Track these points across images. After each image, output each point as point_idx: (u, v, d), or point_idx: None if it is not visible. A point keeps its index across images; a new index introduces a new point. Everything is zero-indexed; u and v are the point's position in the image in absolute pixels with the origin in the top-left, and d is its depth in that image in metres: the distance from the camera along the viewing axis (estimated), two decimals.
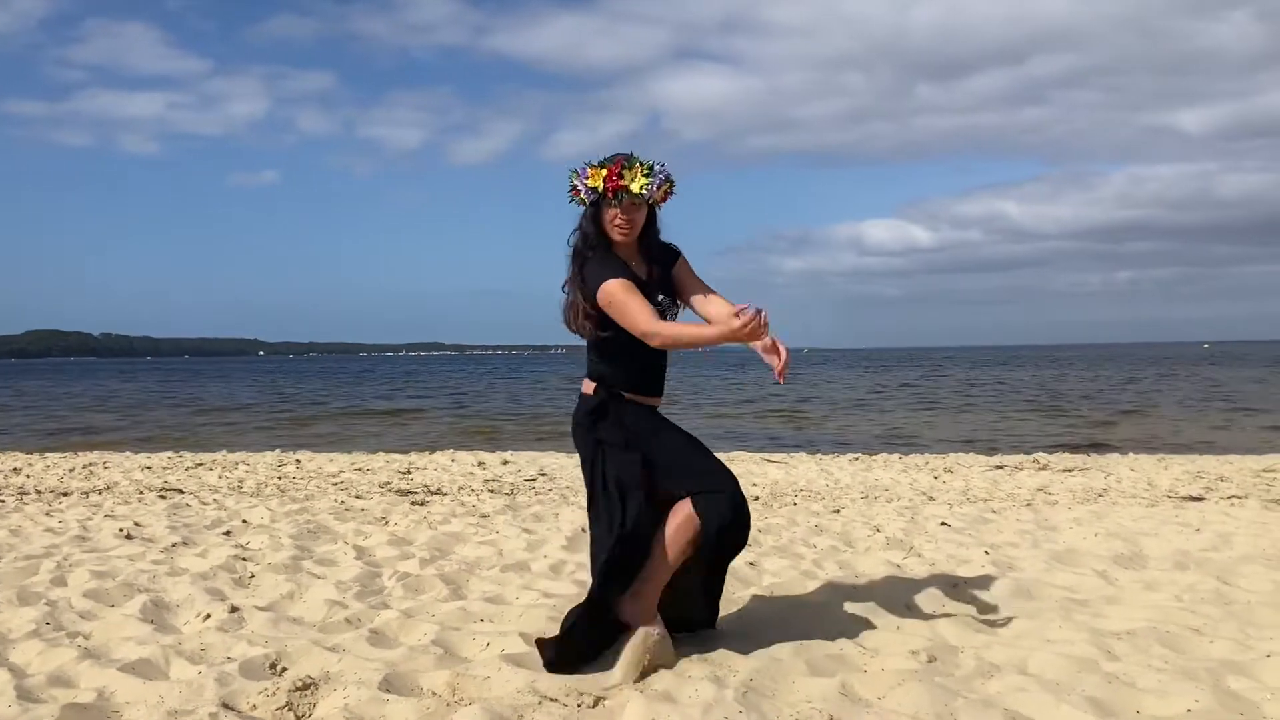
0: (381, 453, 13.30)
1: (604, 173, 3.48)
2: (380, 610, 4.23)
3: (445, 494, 8.44)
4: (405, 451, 13.52)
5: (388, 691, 3.13)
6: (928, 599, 4.45)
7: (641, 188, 3.47)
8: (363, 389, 45.96)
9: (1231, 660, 3.52)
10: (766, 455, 12.85)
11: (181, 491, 8.59)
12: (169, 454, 13.02)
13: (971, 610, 4.28)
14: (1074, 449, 14.55)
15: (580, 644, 3.44)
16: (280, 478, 9.77)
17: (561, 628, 3.52)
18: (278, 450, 13.59)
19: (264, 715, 3.02)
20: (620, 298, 3.42)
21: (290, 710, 3.05)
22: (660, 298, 3.60)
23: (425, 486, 9.00)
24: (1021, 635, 3.85)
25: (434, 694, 3.19)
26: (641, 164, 3.49)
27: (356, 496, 8.19)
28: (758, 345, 3.37)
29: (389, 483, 9.28)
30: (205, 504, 7.65)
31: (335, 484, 9.23)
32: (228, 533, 6.13)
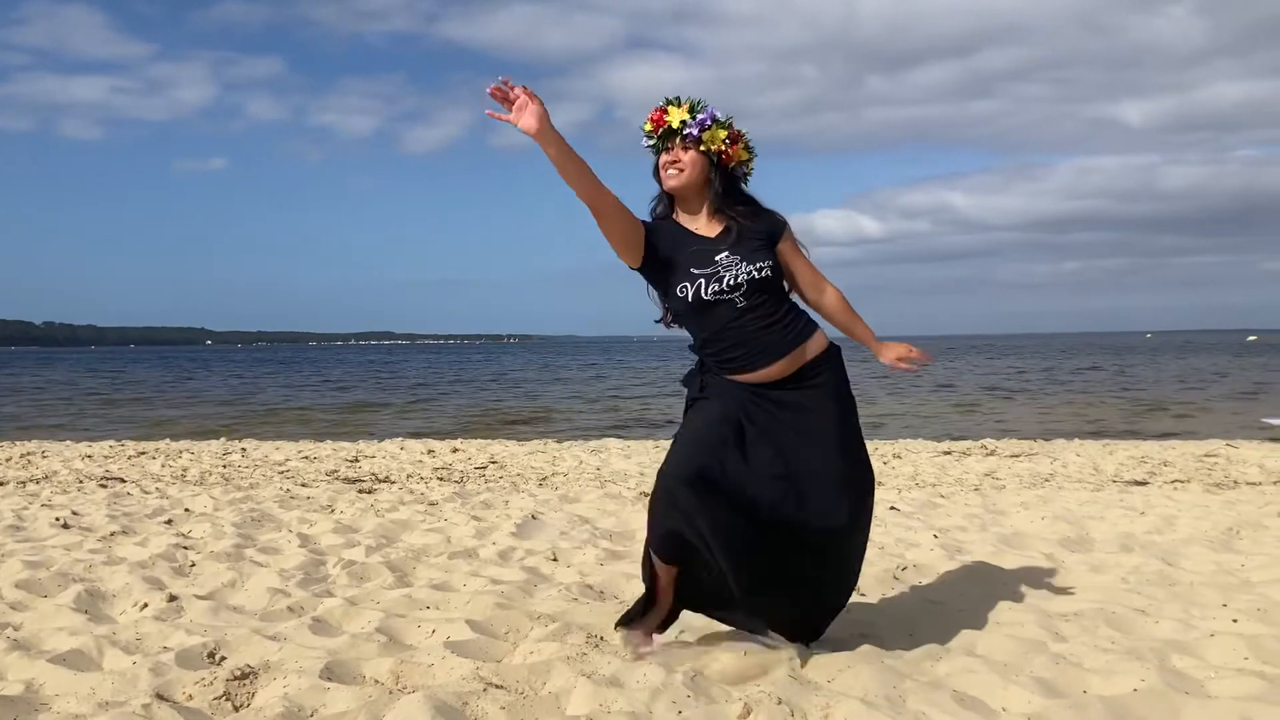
0: (329, 440, 13.14)
1: (653, 113, 3.34)
2: (324, 598, 4.14)
3: (393, 482, 8.34)
4: (354, 439, 13.37)
5: (329, 680, 3.06)
6: (878, 582, 4.46)
7: (681, 121, 3.27)
8: (328, 379, 45.48)
9: (1176, 640, 3.54)
10: None
11: (123, 480, 8.41)
12: (111, 443, 12.78)
13: (921, 593, 4.28)
14: (1022, 435, 14.70)
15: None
16: (225, 466, 9.61)
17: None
18: (223, 439, 13.38)
19: (200, 705, 2.93)
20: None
21: (228, 700, 2.96)
22: (738, 264, 3.25)
23: (373, 474, 8.89)
24: (970, 617, 3.85)
25: (377, 682, 3.12)
26: (690, 101, 3.31)
27: (302, 484, 8.07)
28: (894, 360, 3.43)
29: (336, 471, 9.16)
30: (147, 493, 7.49)
31: (281, 472, 9.10)
32: (169, 521, 6.00)
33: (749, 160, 3.41)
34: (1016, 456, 10.50)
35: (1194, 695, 2.96)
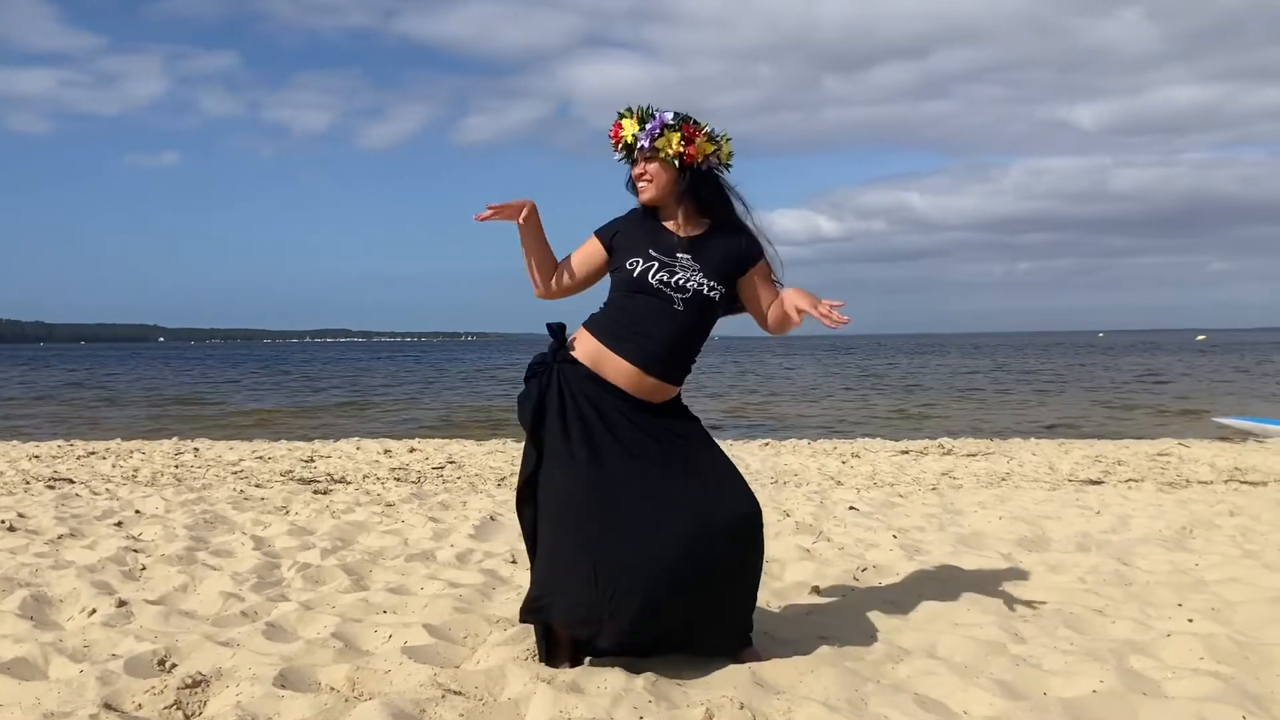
0: (284, 440, 12.98)
1: (612, 126, 3.33)
2: (278, 602, 4.07)
3: (349, 482, 8.24)
4: (309, 439, 13.22)
5: (283, 687, 2.99)
6: (837, 583, 4.46)
7: (632, 135, 3.25)
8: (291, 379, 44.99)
9: (1133, 640, 3.56)
10: None
11: (72, 481, 8.24)
12: (59, 442, 12.54)
13: (881, 594, 4.28)
14: (978, 434, 14.82)
15: None
16: (177, 466, 9.45)
17: None
18: (175, 438, 13.17)
19: (150, 715, 2.86)
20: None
21: (179, 709, 2.89)
22: (695, 271, 3.24)
23: (329, 475, 8.78)
24: (930, 619, 3.85)
25: (332, 689, 3.06)
26: (640, 110, 3.27)
27: (257, 485, 7.95)
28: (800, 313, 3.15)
29: (291, 471, 9.04)
30: (96, 494, 7.34)
31: (235, 472, 8.96)
32: (119, 524, 5.88)
33: (718, 150, 3.33)
34: (973, 456, 10.57)
35: (1151, 696, 2.97)
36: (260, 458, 10.26)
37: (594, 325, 3.31)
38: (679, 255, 3.26)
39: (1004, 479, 8.61)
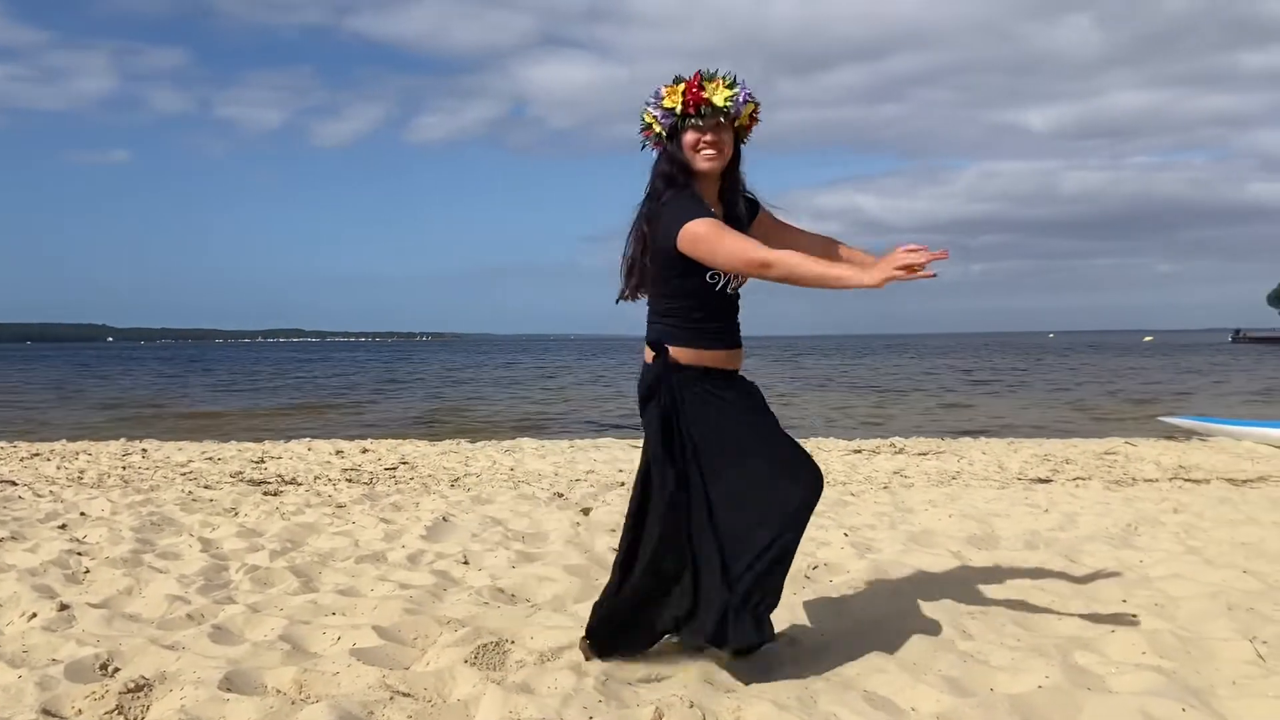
0: (234, 441, 12.82)
1: (681, 88, 3.10)
2: (225, 605, 4.02)
3: (300, 484, 8.16)
4: (260, 440, 13.06)
5: (228, 690, 2.96)
6: (789, 581, 4.45)
7: (726, 100, 3.08)
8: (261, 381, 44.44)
9: (1079, 636, 3.61)
10: (633, 441, 12.85)
11: (14, 483, 8.08)
12: (2, 444, 12.29)
13: (831, 592, 4.30)
14: (929, 434, 14.95)
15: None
16: (125, 468, 9.31)
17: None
18: (122, 439, 12.96)
19: None
20: (712, 232, 3.00)
21: (120, 714, 2.85)
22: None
23: (279, 476, 8.69)
24: (880, 616, 3.88)
25: (279, 692, 3.03)
26: (724, 76, 3.11)
27: (206, 486, 7.84)
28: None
29: (241, 472, 8.93)
30: (40, 496, 7.21)
31: (184, 474, 8.84)
32: (63, 526, 5.77)
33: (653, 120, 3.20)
34: (925, 455, 10.67)
35: (1095, 691, 3.02)
36: (210, 459, 10.13)
37: (680, 336, 3.21)
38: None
39: (954, 477, 8.70)
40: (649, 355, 3.23)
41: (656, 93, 3.15)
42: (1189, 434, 13.21)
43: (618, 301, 3.29)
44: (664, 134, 3.16)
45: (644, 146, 3.24)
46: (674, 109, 3.11)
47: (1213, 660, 3.35)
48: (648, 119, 3.18)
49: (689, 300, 3.19)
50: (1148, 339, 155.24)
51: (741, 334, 3.33)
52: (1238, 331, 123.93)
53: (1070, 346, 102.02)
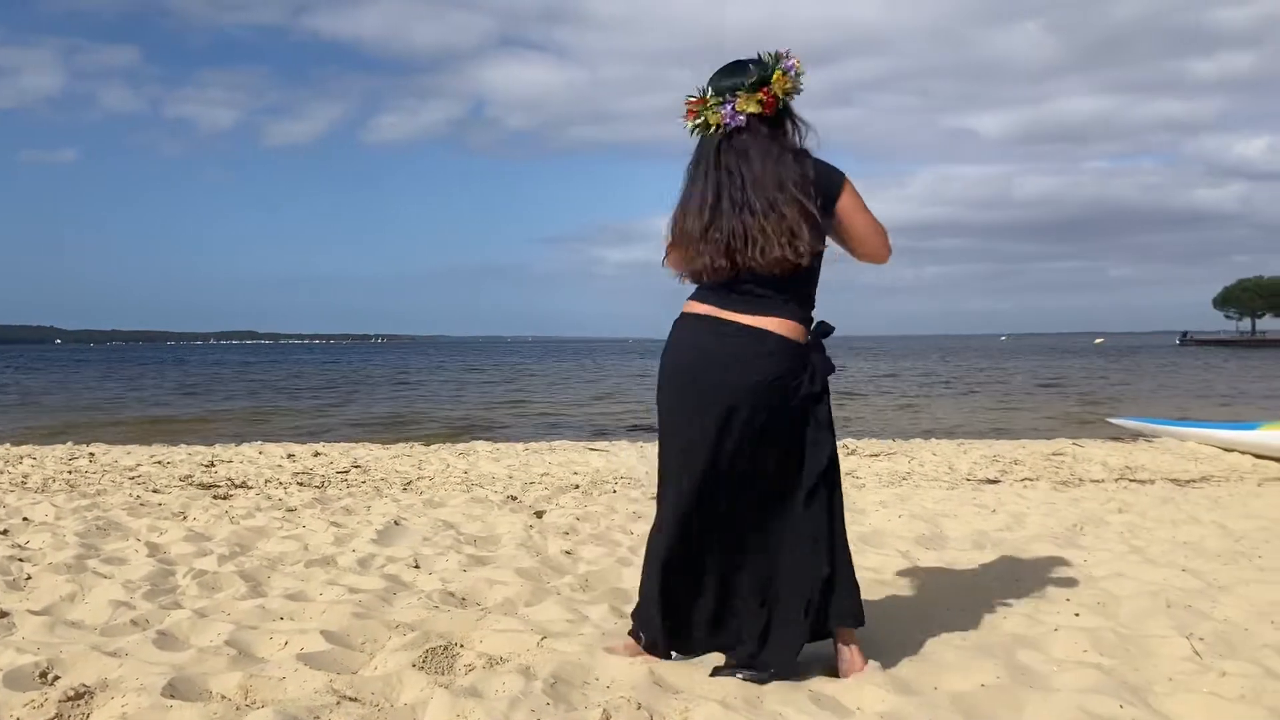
0: (184, 444, 12.66)
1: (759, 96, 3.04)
2: (171, 610, 3.96)
3: (250, 487, 8.07)
4: (210, 443, 12.91)
5: (172, 697, 2.92)
6: None
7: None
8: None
9: (1023, 635, 3.66)
10: (589, 444, 12.85)
11: None
12: None
13: None
14: (882, 435, 15.08)
15: None
16: (71, 472, 9.15)
17: None
18: (69, 442, 12.75)
19: None
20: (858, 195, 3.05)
21: None
22: None
23: (229, 479, 8.59)
24: None
25: (223, 698, 3.00)
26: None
27: (154, 490, 7.74)
28: None
29: (191, 476, 8.83)
30: None
31: (132, 478, 8.71)
32: (4, 531, 5.67)
33: (795, 87, 3.11)
34: (876, 456, 10.76)
35: (1037, 689, 3.06)
36: (159, 462, 9.99)
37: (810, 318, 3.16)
38: None
39: (905, 478, 8.78)
40: (799, 334, 3.08)
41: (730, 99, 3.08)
42: (1135, 435, 13.43)
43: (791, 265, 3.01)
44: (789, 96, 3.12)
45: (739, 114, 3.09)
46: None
47: (1151, 657, 3.41)
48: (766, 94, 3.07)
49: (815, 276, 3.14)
50: (1099, 341, 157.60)
51: None
52: (1186, 334, 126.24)
53: (1023, 349, 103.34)
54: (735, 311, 3.06)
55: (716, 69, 3.15)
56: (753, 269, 3.00)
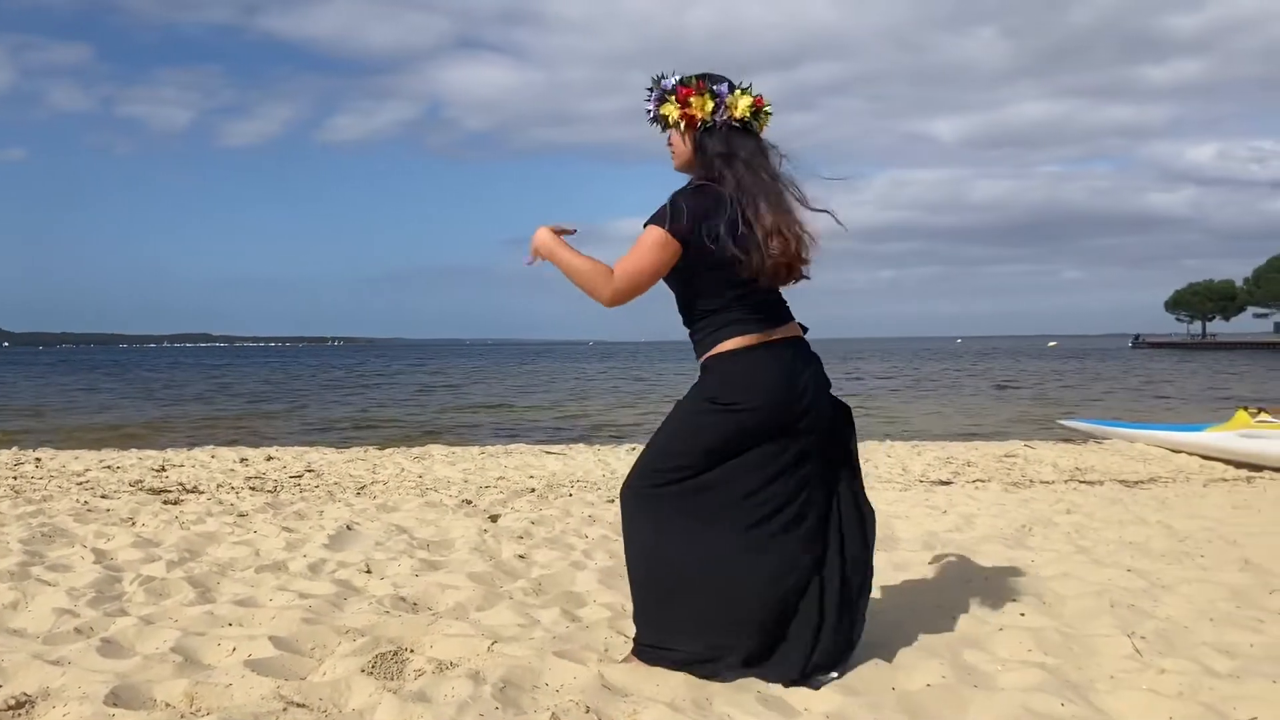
0: (135, 449, 12.49)
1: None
2: (116, 618, 3.91)
3: (202, 492, 7.99)
4: (161, 448, 12.75)
5: (115, 705, 2.89)
6: None
7: (646, 109, 3.21)
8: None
9: (969, 634, 3.71)
10: (545, 447, 12.83)
11: None
12: None
13: None
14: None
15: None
16: (15, 477, 9.01)
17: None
18: (14, 448, 12.54)
19: None
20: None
21: None
22: None
23: (181, 484, 8.50)
24: None
25: (168, 705, 2.97)
26: (653, 80, 3.18)
27: (103, 496, 7.63)
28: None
29: (141, 481, 8.72)
30: None
31: (80, 483, 8.59)
32: None
33: (725, 106, 3.13)
34: None
35: (982, 688, 3.11)
36: (108, 467, 9.86)
37: None
38: None
39: None
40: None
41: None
42: (1086, 437, 13.63)
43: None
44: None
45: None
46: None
47: (1094, 656, 3.47)
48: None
49: None
50: (1052, 344, 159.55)
51: (695, 336, 3.28)
52: (1138, 337, 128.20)
53: (977, 351, 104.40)
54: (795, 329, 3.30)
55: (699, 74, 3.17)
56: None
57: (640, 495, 3.22)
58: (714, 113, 3.11)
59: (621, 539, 3.37)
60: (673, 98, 3.14)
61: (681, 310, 3.25)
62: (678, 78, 3.15)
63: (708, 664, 3.12)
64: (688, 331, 3.26)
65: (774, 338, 3.17)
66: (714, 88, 3.12)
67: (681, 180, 3.22)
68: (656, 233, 3.02)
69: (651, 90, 3.19)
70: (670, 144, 3.22)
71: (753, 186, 3.07)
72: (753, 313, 3.14)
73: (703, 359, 3.20)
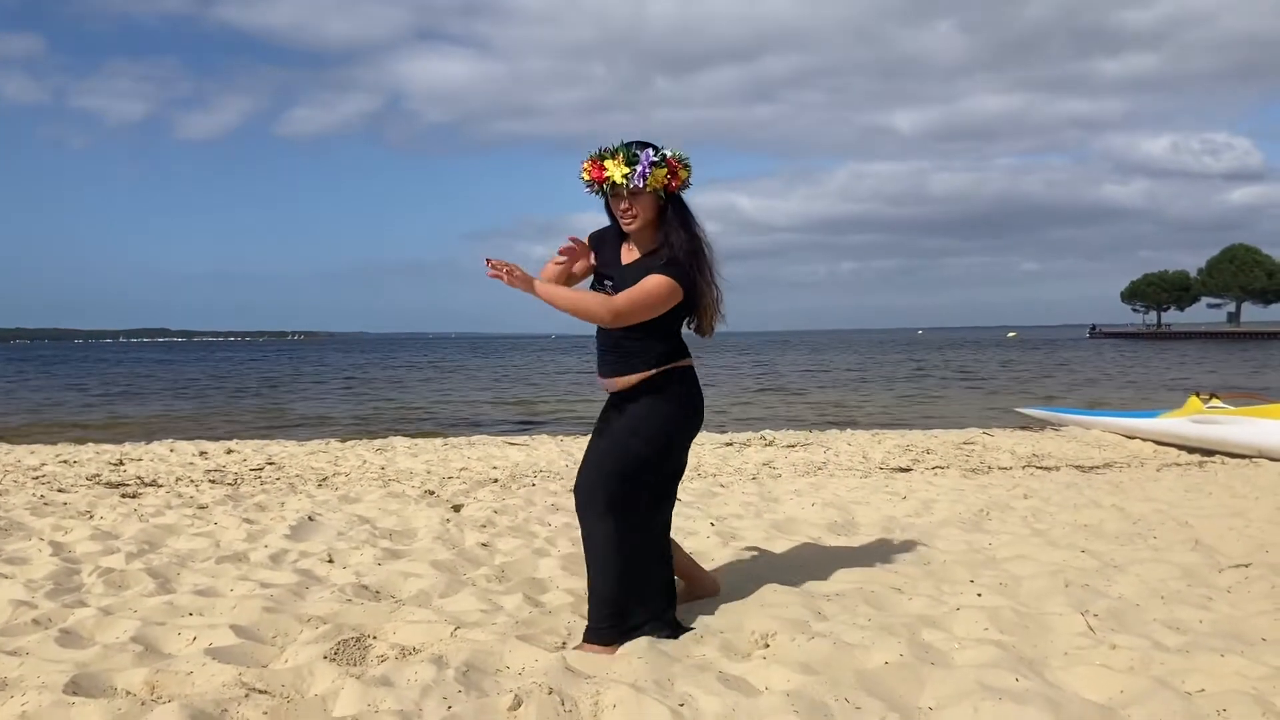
0: (92, 444, 12.34)
1: (590, 165, 3.46)
2: (75, 609, 3.88)
3: (161, 485, 7.91)
4: (119, 442, 12.60)
5: (74, 694, 2.88)
6: None
7: (623, 176, 3.40)
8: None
9: (927, 615, 3.77)
10: (508, 438, 12.82)
11: None
12: None
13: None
14: (799, 426, 15.26)
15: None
16: None
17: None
18: None
19: None
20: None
21: None
22: (609, 288, 3.54)
23: (139, 478, 8.41)
24: (738, 600, 3.97)
25: (129, 693, 2.96)
26: (625, 151, 3.41)
27: (59, 490, 7.54)
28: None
29: (98, 475, 8.61)
30: None
31: (35, 477, 8.47)
32: None
33: (689, 174, 3.54)
34: (793, 447, 10.91)
35: (939, 665, 3.16)
36: (65, 461, 9.73)
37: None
38: (605, 282, 3.57)
39: (820, 468, 8.92)
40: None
41: (581, 162, 3.51)
42: (1043, 424, 13.81)
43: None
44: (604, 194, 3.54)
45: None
46: (591, 182, 3.49)
47: (1048, 633, 3.54)
48: (583, 178, 3.53)
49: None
50: (1011, 335, 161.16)
51: (630, 369, 3.58)
52: (1094, 327, 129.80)
53: (938, 343, 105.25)
54: None
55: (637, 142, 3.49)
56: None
57: (615, 497, 3.48)
58: (686, 180, 3.55)
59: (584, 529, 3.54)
60: (662, 169, 3.44)
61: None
62: (654, 150, 3.45)
63: (654, 623, 3.50)
64: (616, 335, 3.55)
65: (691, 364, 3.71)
66: (683, 158, 3.50)
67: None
68: (670, 284, 3.42)
69: (632, 161, 3.41)
70: (630, 208, 3.48)
71: (706, 252, 3.56)
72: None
73: (664, 368, 3.56)
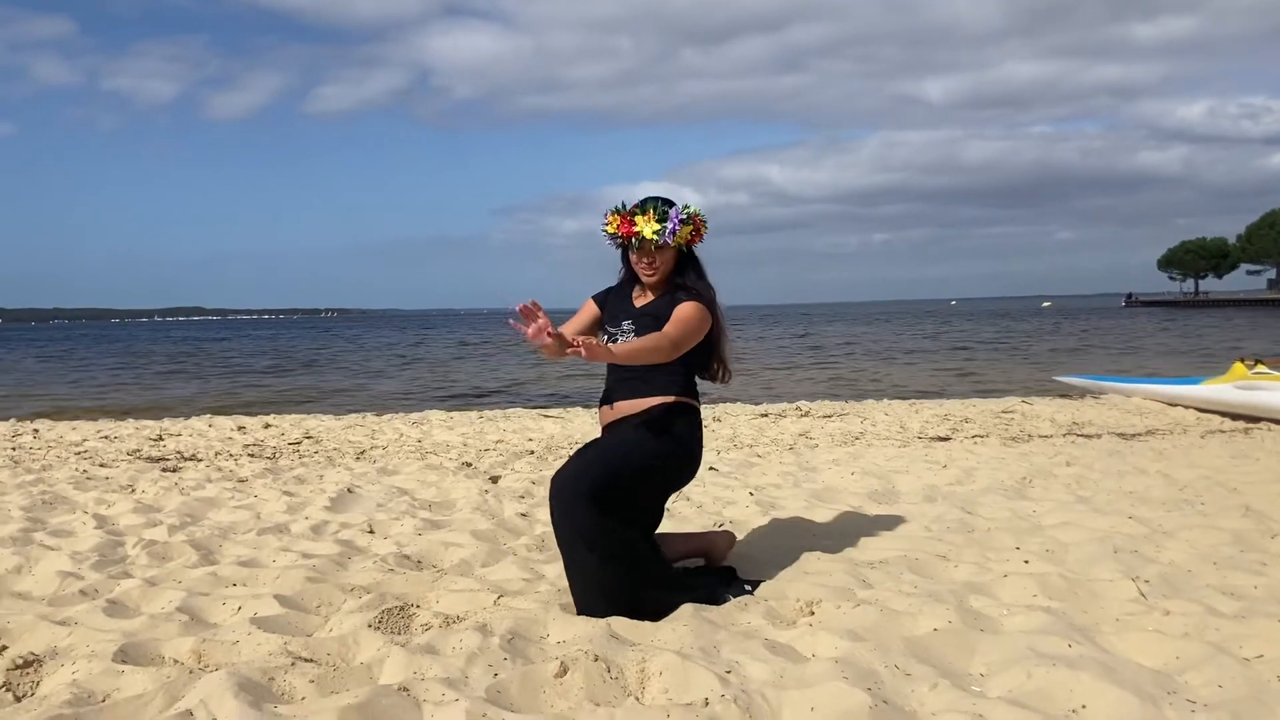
0: (131, 419, 12.46)
1: (618, 219, 3.64)
2: (120, 580, 3.91)
3: (200, 459, 7.97)
4: (158, 418, 12.72)
5: (123, 662, 2.89)
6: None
7: (654, 233, 3.59)
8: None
9: (973, 582, 3.72)
10: (543, 411, 12.83)
11: None
12: None
13: (736, 548, 4.35)
14: (834, 396, 15.18)
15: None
16: (15, 448, 8.98)
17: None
18: (12, 420, 12.51)
19: None
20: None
21: (8, 690, 2.76)
22: (628, 329, 3.66)
23: (179, 453, 8.48)
24: (782, 569, 3.94)
25: (176, 662, 2.97)
26: (655, 209, 3.61)
27: (101, 465, 7.62)
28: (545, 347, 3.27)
29: (139, 450, 8.70)
30: None
31: (78, 453, 8.57)
32: None
33: (706, 229, 3.76)
34: (829, 417, 10.84)
35: (989, 632, 3.11)
36: (106, 437, 9.83)
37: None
38: (623, 324, 3.69)
39: (858, 438, 8.86)
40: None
41: (605, 214, 3.70)
42: (1082, 392, 13.65)
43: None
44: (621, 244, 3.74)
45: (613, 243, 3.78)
46: (616, 235, 3.67)
47: (1098, 600, 3.48)
48: (608, 230, 3.71)
49: None
50: (1046, 304, 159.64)
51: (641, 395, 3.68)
52: (1130, 295, 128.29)
53: (973, 313, 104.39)
54: None
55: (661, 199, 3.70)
56: None
57: (598, 486, 3.39)
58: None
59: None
60: (688, 227, 3.65)
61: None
62: (680, 208, 3.67)
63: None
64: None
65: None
66: (703, 215, 3.74)
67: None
68: (702, 309, 3.62)
69: (663, 219, 3.60)
70: (654, 261, 3.67)
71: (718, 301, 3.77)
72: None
73: (682, 398, 3.70)
